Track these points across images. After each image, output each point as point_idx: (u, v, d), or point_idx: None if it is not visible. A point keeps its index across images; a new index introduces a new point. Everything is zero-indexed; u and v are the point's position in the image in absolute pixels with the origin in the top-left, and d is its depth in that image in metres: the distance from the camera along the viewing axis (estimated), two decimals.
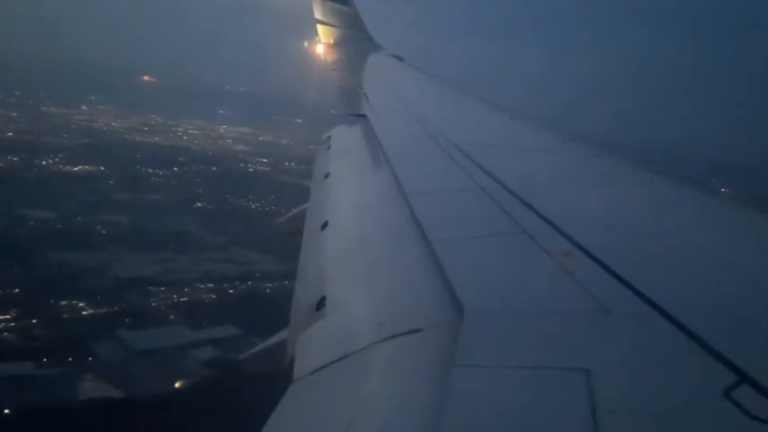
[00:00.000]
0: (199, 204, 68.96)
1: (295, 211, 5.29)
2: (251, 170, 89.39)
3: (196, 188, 74.70)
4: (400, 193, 3.66)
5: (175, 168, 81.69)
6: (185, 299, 46.03)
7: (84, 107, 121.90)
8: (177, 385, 34.36)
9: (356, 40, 11.96)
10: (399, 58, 10.95)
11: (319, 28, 11.89)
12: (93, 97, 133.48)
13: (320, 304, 2.79)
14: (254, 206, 71.75)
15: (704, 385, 1.64)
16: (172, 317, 43.46)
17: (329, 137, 6.63)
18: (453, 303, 2.19)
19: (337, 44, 11.80)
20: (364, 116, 6.54)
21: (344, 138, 6.38)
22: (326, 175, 5.18)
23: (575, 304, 2.15)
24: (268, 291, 49.67)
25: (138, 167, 78.91)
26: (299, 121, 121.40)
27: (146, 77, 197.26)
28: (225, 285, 49.00)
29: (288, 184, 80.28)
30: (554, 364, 1.78)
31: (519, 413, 1.57)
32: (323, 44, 11.79)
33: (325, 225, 3.87)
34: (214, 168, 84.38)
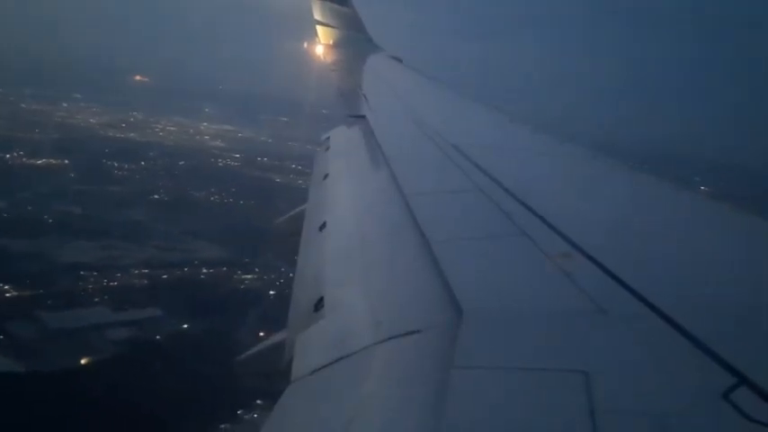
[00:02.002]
0: (156, 196, 69.50)
1: (294, 211, 5.31)
2: (220, 164, 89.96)
3: (158, 181, 75.20)
4: (399, 193, 3.65)
5: (143, 162, 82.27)
6: (115, 283, 46.70)
7: (65, 104, 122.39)
8: (83, 362, 35.12)
9: (355, 41, 11.94)
10: (398, 60, 10.96)
11: (318, 29, 12.00)
12: (77, 95, 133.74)
13: (318, 305, 2.82)
14: (213, 198, 72.43)
15: (703, 387, 1.64)
16: (97, 299, 44.16)
17: (328, 138, 6.64)
18: (452, 304, 2.20)
19: (336, 45, 11.88)
20: (363, 117, 6.52)
21: (343, 138, 6.39)
22: (325, 176, 5.21)
23: (573, 305, 2.16)
24: (203, 276, 50.35)
25: (104, 161, 79.46)
26: (284, 119, 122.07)
27: (137, 77, 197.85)
28: (160, 271, 49.51)
29: (255, 178, 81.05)
30: (552, 366, 1.78)
31: (517, 415, 1.58)
32: (322, 45, 11.90)
33: (323, 226, 3.89)
34: (182, 163, 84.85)
